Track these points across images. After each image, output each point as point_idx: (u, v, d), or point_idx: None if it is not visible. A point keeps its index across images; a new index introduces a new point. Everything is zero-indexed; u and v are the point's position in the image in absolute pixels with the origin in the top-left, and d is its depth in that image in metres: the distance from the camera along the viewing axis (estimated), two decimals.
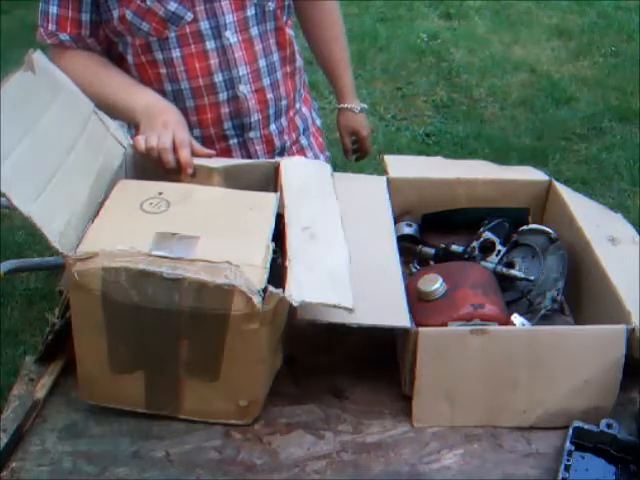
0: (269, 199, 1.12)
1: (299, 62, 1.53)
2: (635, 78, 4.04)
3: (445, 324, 1.06)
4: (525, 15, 4.84)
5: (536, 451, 1.03)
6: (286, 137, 1.52)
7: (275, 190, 1.21)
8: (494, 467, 1.01)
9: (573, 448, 0.99)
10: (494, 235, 1.29)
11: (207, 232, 1.00)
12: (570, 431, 1.01)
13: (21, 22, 4.45)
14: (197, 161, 1.22)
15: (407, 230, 1.35)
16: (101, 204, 1.07)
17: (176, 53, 1.35)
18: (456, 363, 1.04)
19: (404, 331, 1.04)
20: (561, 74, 4.18)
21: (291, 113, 1.53)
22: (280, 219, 1.09)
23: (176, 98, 1.39)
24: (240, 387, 1.02)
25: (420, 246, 1.34)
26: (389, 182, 1.33)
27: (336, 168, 1.29)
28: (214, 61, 1.37)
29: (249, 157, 1.47)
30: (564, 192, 1.33)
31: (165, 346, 0.98)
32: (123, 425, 1.04)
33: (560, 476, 0.96)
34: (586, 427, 1.02)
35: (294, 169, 1.23)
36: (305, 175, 1.22)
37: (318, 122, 1.68)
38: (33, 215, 0.92)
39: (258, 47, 1.40)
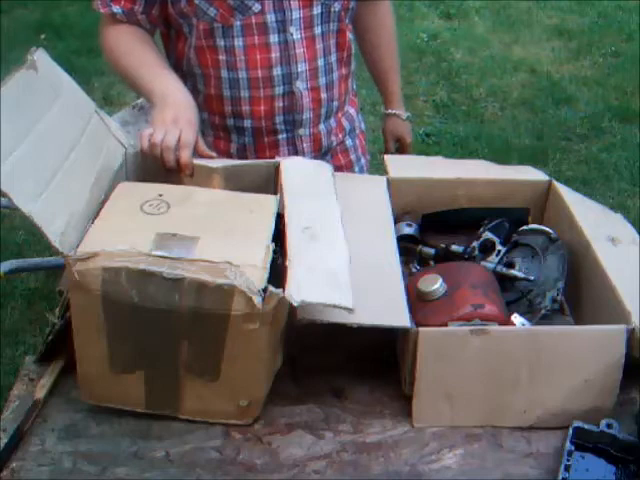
0: (269, 201, 1.12)
1: (353, 66, 1.54)
2: (635, 78, 4.04)
3: (445, 324, 1.06)
4: (525, 15, 4.84)
5: (536, 451, 1.03)
6: (333, 137, 1.53)
7: (275, 190, 1.21)
8: (494, 467, 1.01)
9: (573, 448, 0.99)
10: (494, 235, 1.29)
11: (207, 233, 1.00)
12: (570, 431, 1.01)
13: (21, 22, 4.45)
14: (197, 161, 1.22)
15: (407, 230, 1.35)
16: (101, 204, 1.07)
17: (238, 42, 1.35)
18: (456, 363, 1.04)
19: (404, 331, 1.04)
20: (561, 74, 4.18)
21: (340, 115, 1.53)
22: (280, 219, 1.09)
23: (232, 86, 1.40)
24: (240, 387, 1.02)
25: (420, 246, 1.34)
26: (389, 182, 1.33)
27: None
28: (275, 55, 1.37)
29: (295, 153, 1.48)
30: (564, 192, 1.33)
31: (165, 346, 0.98)
32: (123, 425, 1.04)
33: (560, 476, 0.96)
34: (586, 427, 1.02)
35: (294, 169, 1.23)
36: (305, 175, 1.22)
37: (362, 125, 1.68)
38: (33, 215, 0.92)
39: (319, 46, 1.41)
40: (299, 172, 1.22)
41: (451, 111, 3.84)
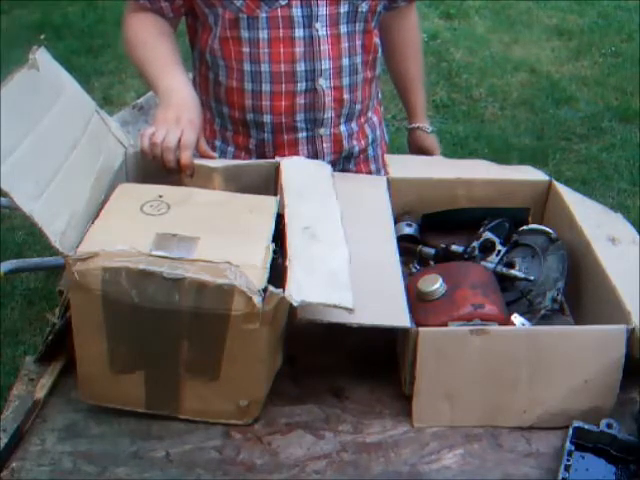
0: (269, 202, 1.12)
1: (378, 71, 1.52)
2: (635, 78, 4.05)
3: (445, 324, 1.06)
4: (525, 15, 4.85)
5: (536, 451, 1.04)
6: (355, 142, 1.51)
7: (275, 190, 1.21)
8: (494, 467, 1.01)
9: (573, 448, 0.99)
10: (494, 235, 1.29)
11: (207, 233, 1.00)
12: (570, 431, 1.01)
13: (21, 22, 4.45)
14: (198, 161, 1.22)
15: (407, 230, 1.35)
16: (101, 204, 1.07)
17: (263, 34, 1.34)
18: (456, 363, 1.04)
19: (404, 331, 1.04)
20: (561, 74, 4.18)
21: (362, 119, 1.51)
22: (280, 219, 1.09)
23: (253, 80, 1.38)
24: (240, 387, 1.02)
25: (420, 246, 1.34)
26: (389, 182, 1.33)
27: None
28: (299, 49, 1.36)
29: (315, 153, 1.46)
30: (564, 192, 1.33)
31: (165, 346, 0.98)
32: (123, 425, 1.04)
33: (560, 476, 0.96)
34: (586, 427, 1.02)
35: (294, 169, 1.23)
36: (305, 175, 1.22)
37: (386, 136, 1.66)
38: (34, 214, 0.92)
39: (344, 45, 1.39)
40: (299, 172, 1.22)
41: (451, 111, 3.84)
